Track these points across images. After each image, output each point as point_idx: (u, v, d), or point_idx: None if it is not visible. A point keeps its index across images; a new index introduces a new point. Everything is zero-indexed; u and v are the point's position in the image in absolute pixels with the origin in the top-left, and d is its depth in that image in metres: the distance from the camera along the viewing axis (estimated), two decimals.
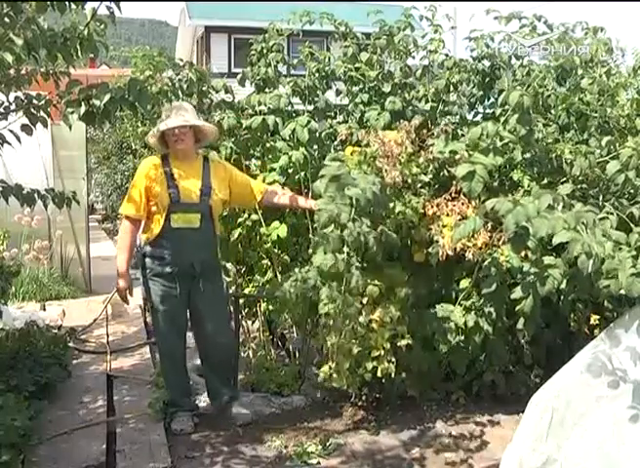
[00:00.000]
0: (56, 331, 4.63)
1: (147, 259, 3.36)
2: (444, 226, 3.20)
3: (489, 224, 3.06)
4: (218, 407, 3.58)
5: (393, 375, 3.25)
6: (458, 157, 3.23)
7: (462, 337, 3.32)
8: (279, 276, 3.86)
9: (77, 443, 3.16)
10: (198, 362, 3.74)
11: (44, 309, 5.51)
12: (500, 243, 3.09)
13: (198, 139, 3.40)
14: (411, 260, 3.43)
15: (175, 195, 3.25)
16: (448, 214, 3.22)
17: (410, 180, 3.35)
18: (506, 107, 3.71)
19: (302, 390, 3.83)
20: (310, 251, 2.98)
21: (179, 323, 3.43)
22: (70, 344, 4.51)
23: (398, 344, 3.22)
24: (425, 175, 3.39)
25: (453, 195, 3.29)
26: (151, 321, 3.50)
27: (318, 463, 3.09)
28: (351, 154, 3.48)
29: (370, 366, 3.21)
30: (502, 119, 3.40)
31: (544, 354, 3.67)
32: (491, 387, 3.64)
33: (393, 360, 3.22)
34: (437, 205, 3.29)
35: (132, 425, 3.39)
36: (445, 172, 3.49)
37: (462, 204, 3.22)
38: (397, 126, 3.66)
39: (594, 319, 3.56)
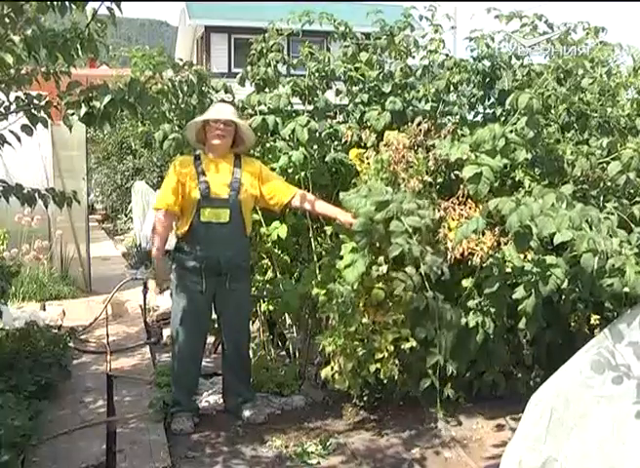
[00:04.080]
0: (56, 330, 4.62)
1: (177, 254, 3.39)
2: (450, 230, 3.18)
3: (496, 229, 3.06)
4: (232, 407, 3.58)
5: (396, 378, 3.25)
6: (464, 158, 3.23)
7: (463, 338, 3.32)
8: (279, 276, 3.86)
9: (77, 443, 3.16)
10: (203, 362, 3.74)
11: (44, 309, 5.50)
12: (503, 244, 3.09)
13: (235, 144, 3.43)
14: None
15: (204, 190, 3.28)
16: (453, 219, 3.20)
17: (421, 185, 3.35)
18: (507, 107, 3.72)
19: (302, 390, 3.83)
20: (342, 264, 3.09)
21: (201, 320, 3.44)
22: (70, 344, 4.51)
23: (402, 347, 3.22)
24: (435, 179, 3.38)
25: (460, 199, 3.27)
26: (172, 316, 3.49)
27: (318, 463, 3.09)
28: (356, 156, 3.50)
29: (373, 368, 3.21)
30: (506, 120, 3.39)
31: (545, 354, 3.67)
32: (491, 387, 3.64)
33: (397, 362, 3.22)
34: (445, 209, 3.27)
35: (132, 425, 3.39)
36: (452, 175, 3.48)
37: (470, 208, 3.21)
38: (397, 126, 3.66)
39: (595, 319, 3.56)
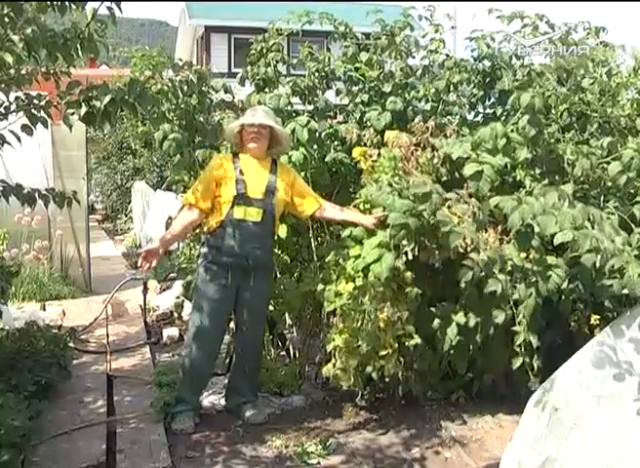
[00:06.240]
0: (56, 331, 4.62)
1: (205, 249, 3.43)
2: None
3: (498, 227, 3.06)
4: (232, 406, 3.58)
5: (400, 375, 3.24)
6: (466, 156, 3.23)
7: (463, 337, 3.32)
8: (279, 276, 3.86)
9: (77, 443, 3.16)
10: None
11: (44, 309, 5.50)
12: (506, 242, 3.08)
13: (271, 146, 3.46)
14: (415, 260, 3.43)
15: (241, 188, 3.33)
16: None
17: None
18: (507, 107, 3.72)
19: (302, 390, 3.83)
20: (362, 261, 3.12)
21: (221, 315, 3.47)
22: (70, 344, 4.51)
23: (406, 344, 3.21)
24: (439, 178, 3.38)
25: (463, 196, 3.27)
26: (192, 312, 3.50)
27: (318, 463, 3.09)
28: (360, 154, 3.50)
29: (377, 365, 3.21)
30: (506, 120, 3.39)
31: (545, 354, 3.66)
32: (491, 387, 3.64)
33: (401, 359, 3.22)
34: (449, 207, 3.27)
35: (132, 425, 3.39)
36: (456, 173, 3.48)
37: (472, 206, 3.21)
38: (398, 126, 3.66)
39: (594, 319, 3.55)
